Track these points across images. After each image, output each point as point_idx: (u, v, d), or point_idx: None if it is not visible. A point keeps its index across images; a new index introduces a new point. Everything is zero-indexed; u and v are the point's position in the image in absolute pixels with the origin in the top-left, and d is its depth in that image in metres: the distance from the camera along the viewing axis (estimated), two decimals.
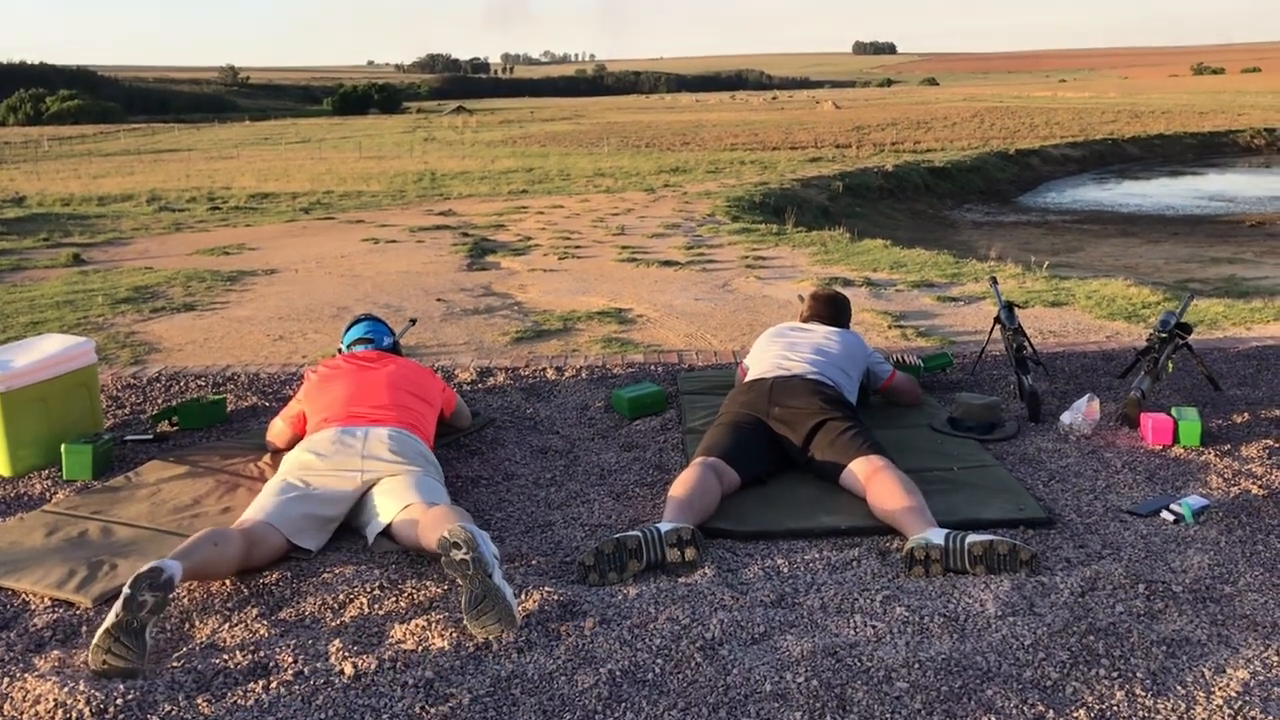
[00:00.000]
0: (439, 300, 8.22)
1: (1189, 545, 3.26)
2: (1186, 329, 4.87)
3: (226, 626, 2.90)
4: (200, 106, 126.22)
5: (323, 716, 2.44)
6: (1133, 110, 51.33)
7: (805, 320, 4.74)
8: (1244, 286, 11.25)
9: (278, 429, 4.23)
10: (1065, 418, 4.38)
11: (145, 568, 2.75)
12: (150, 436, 4.62)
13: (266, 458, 4.23)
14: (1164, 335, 4.77)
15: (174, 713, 2.46)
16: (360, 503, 3.55)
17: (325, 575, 3.21)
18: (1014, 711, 2.39)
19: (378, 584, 3.11)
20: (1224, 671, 2.54)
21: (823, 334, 4.49)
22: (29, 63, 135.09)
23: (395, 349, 4.51)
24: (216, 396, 4.99)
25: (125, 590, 2.70)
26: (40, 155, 39.45)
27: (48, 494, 4.03)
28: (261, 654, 2.72)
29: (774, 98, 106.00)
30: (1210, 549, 3.23)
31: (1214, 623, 2.78)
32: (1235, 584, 3.00)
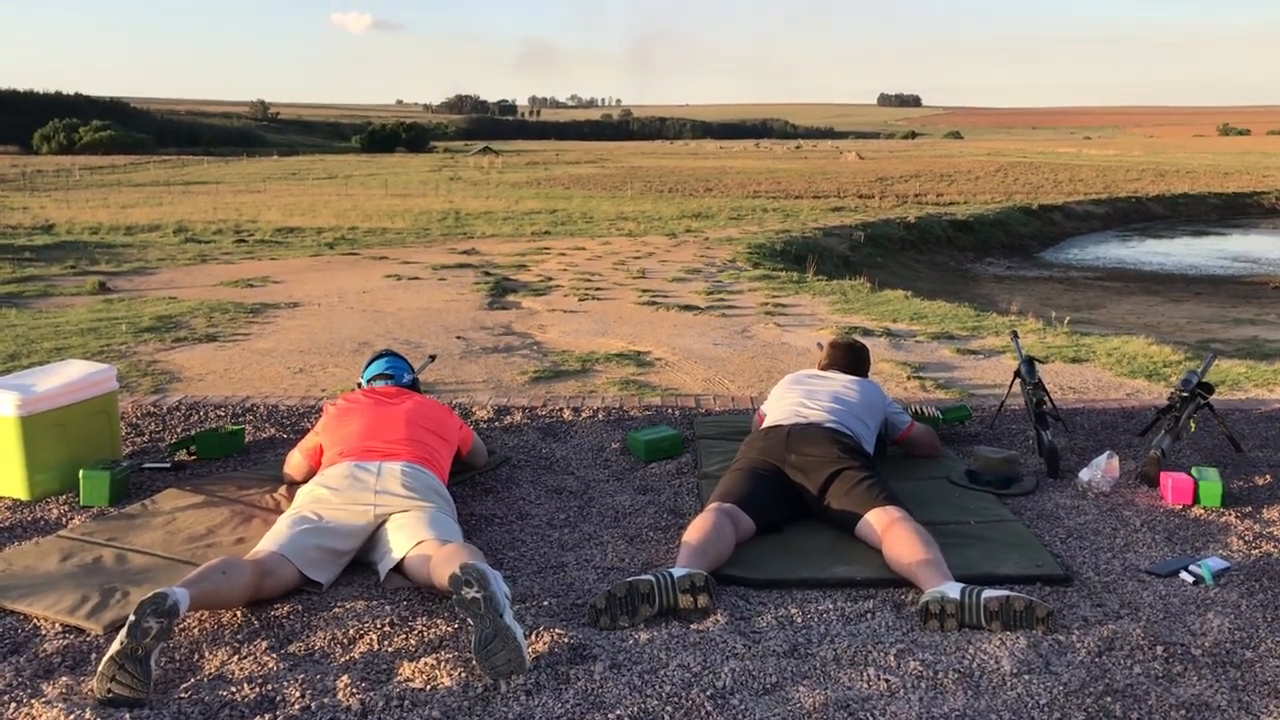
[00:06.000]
0: (459, 338, 8.25)
1: (1209, 607, 3.21)
2: (1208, 389, 4.84)
3: (235, 658, 2.89)
4: (230, 140, 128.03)
5: None
6: (1157, 169, 51.32)
7: (824, 368, 4.73)
8: (1266, 348, 11.17)
9: (294, 461, 4.24)
10: (1084, 474, 4.35)
11: (150, 594, 2.75)
12: (168, 465, 4.64)
13: (282, 489, 4.24)
14: (1186, 394, 4.74)
15: None
16: (373, 537, 3.55)
17: (336, 609, 3.20)
18: None
19: (388, 620, 3.10)
20: None
21: (841, 382, 4.48)
22: (64, 93, 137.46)
23: (415, 385, 4.53)
24: (235, 427, 5.01)
25: (130, 617, 2.70)
26: (71, 184, 39.99)
27: (64, 519, 4.04)
28: (269, 687, 2.71)
29: (798, 147, 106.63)
30: (1231, 612, 3.18)
31: (1234, 688, 2.73)
32: (1256, 649, 2.95)
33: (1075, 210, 30.91)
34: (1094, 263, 22.58)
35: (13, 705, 2.62)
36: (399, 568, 3.40)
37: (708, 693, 2.66)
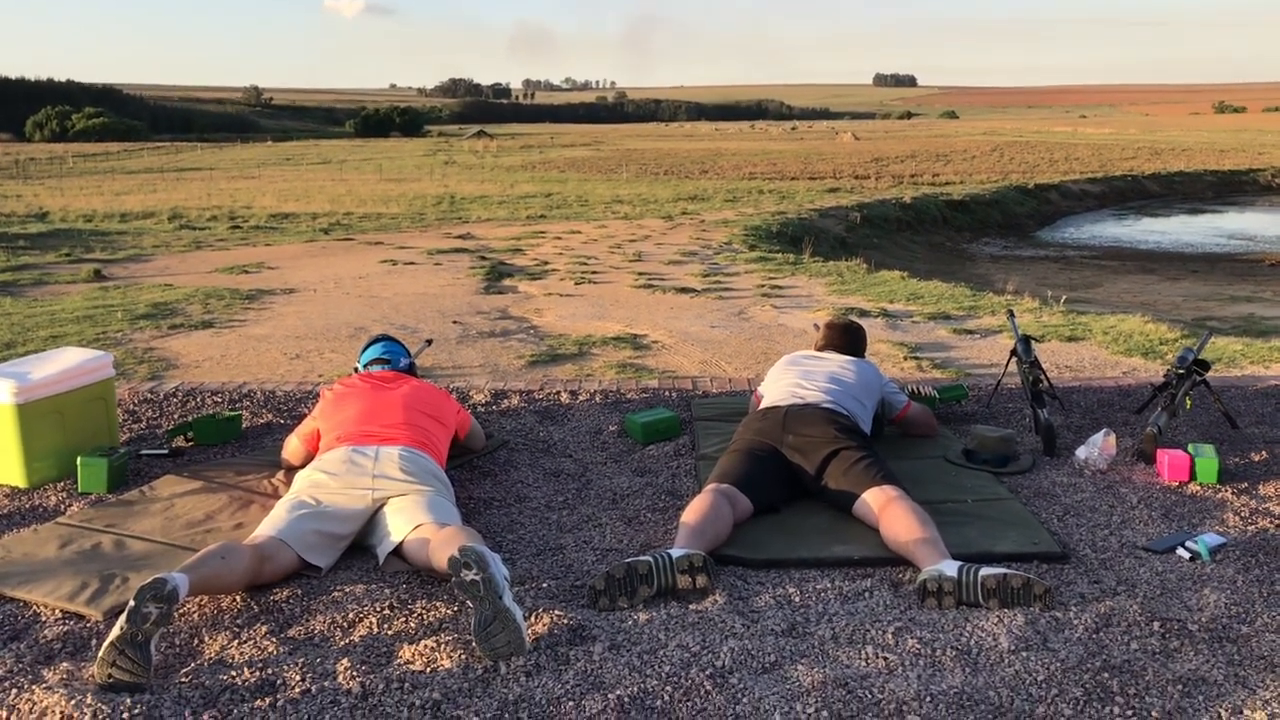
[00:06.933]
0: (455, 322, 8.24)
1: (1205, 583, 3.22)
2: (1204, 366, 4.84)
3: (235, 643, 2.89)
4: (224, 126, 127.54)
5: None
6: (1153, 147, 51.26)
7: (820, 349, 4.73)
8: (1263, 325, 11.19)
9: (292, 446, 4.24)
10: (1081, 452, 4.36)
11: (149, 580, 2.75)
12: (165, 451, 4.64)
13: (280, 475, 4.24)
14: (1182, 371, 4.74)
15: None
16: (371, 521, 3.55)
17: (335, 594, 3.20)
18: None
19: (388, 604, 3.11)
20: (1240, 713, 2.51)
21: (838, 363, 4.48)
22: (56, 80, 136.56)
23: (411, 370, 4.52)
24: (232, 413, 5.01)
25: (130, 602, 2.70)
26: (65, 171, 39.85)
27: (62, 506, 4.04)
28: (269, 671, 2.71)
29: (793, 128, 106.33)
30: (1227, 587, 3.19)
31: (1230, 663, 2.75)
32: (1252, 624, 2.96)
33: (1071, 189, 30.88)
34: (1090, 242, 22.57)
35: (14, 691, 2.62)
36: (398, 551, 3.40)
37: (707, 672, 2.67)
